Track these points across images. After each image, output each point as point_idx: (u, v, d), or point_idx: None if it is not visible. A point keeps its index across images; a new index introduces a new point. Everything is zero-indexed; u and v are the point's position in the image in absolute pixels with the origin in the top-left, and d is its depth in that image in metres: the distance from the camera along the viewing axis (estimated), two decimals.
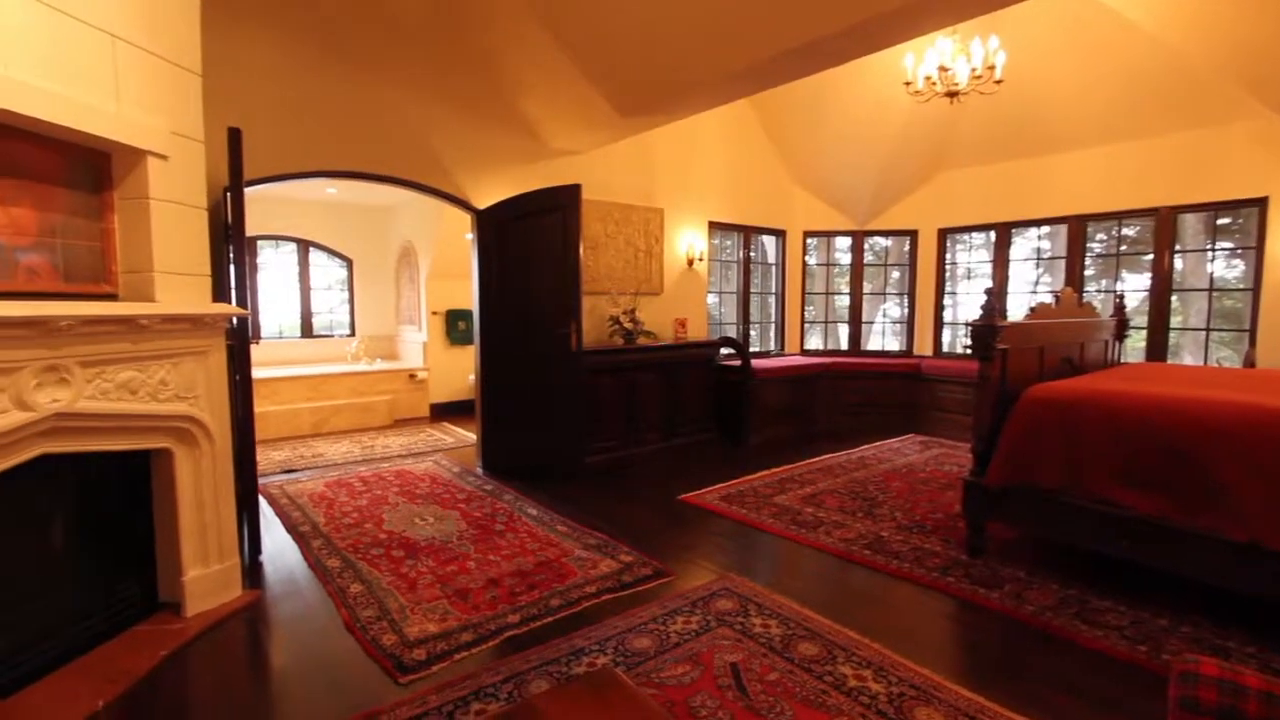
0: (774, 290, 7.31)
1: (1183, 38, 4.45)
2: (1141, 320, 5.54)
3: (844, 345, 7.37)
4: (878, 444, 5.76)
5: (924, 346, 6.99)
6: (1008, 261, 6.47)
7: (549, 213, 4.47)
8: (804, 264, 7.26)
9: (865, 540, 3.43)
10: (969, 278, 6.98)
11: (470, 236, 4.95)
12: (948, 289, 6.96)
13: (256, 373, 4.82)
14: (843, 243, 7.38)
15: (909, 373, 6.56)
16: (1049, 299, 3.95)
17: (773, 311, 7.34)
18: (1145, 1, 4.31)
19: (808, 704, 2.01)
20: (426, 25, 3.96)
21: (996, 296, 3.14)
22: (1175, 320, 5.61)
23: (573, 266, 4.38)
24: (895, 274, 7.47)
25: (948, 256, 6.92)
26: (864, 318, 7.28)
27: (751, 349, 6.87)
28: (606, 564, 3.12)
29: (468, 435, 6.26)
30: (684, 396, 5.54)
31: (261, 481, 4.36)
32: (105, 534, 2.48)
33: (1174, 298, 5.54)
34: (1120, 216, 5.74)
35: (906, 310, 7.18)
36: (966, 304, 7.01)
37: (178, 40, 2.57)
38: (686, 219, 6.13)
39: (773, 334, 7.34)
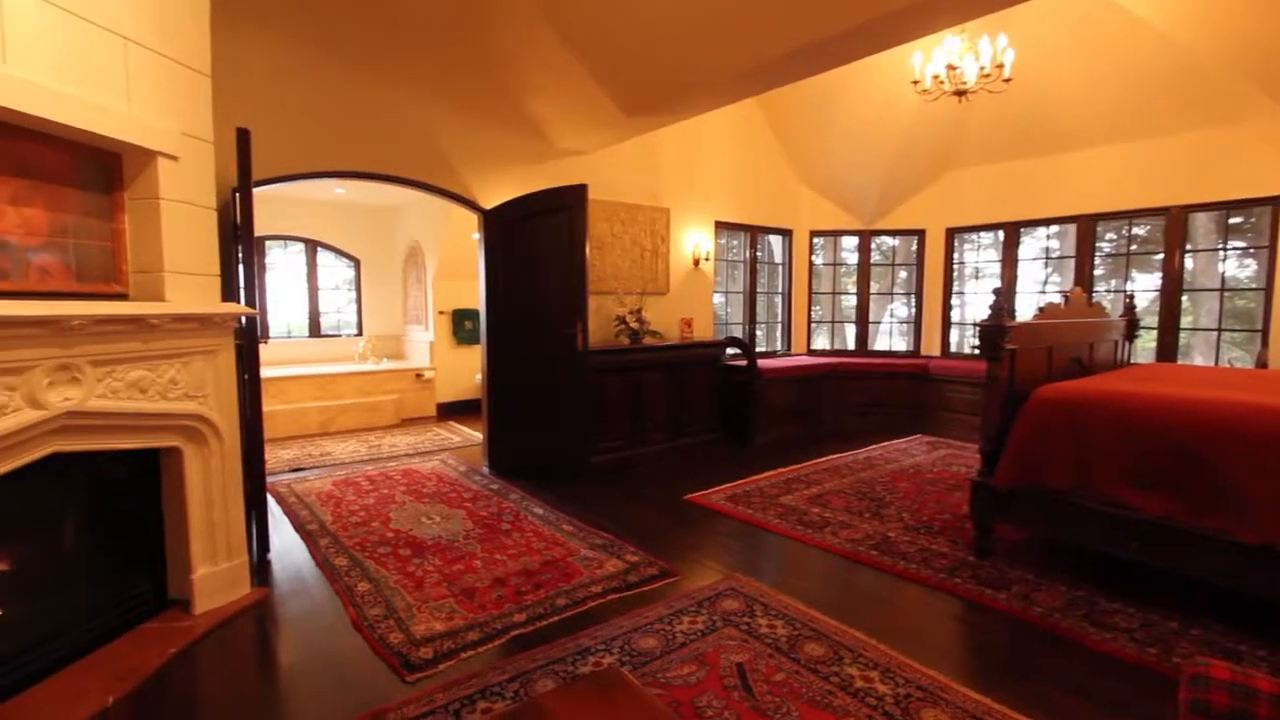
0: (780, 290, 7.29)
1: (1192, 35, 4.41)
2: (1152, 320, 5.50)
3: (851, 345, 7.34)
4: (885, 444, 5.74)
5: (931, 346, 6.96)
6: (1016, 261, 6.43)
7: (555, 212, 4.48)
8: (810, 264, 7.24)
9: (872, 541, 3.42)
10: (977, 277, 6.94)
11: (477, 236, 4.96)
12: (955, 289, 6.93)
13: (265, 372, 4.85)
14: (849, 242, 7.35)
15: (916, 373, 6.54)
16: (1058, 299, 3.93)
17: (779, 311, 7.32)
18: None
19: (814, 705, 2.01)
20: (433, 26, 3.97)
21: (1005, 296, 3.12)
22: (1186, 320, 5.57)
23: (579, 266, 4.38)
24: (903, 274, 7.44)
25: (955, 256, 6.88)
26: (871, 318, 7.26)
27: (758, 349, 6.87)
28: (612, 564, 3.12)
29: (474, 434, 6.28)
30: (690, 396, 5.54)
31: (270, 480, 4.39)
32: (116, 532, 2.50)
33: (1185, 297, 5.50)
34: (1130, 216, 5.69)
35: (914, 310, 7.15)
36: (974, 304, 6.98)
37: (188, 42, 2.59)
38: (693, 219, 6.13)
39: (779, 334, 7.33)
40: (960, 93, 4.45)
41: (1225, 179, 5.02)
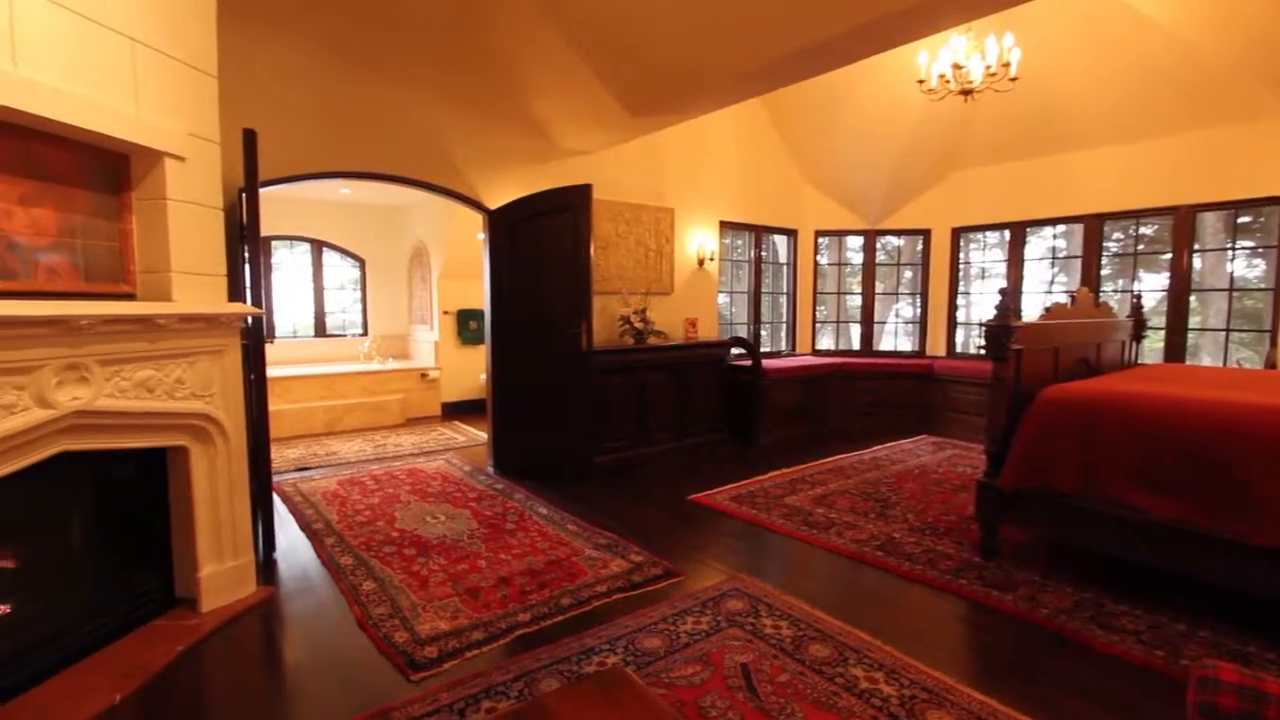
0: (785, 290, 7.28)
1: (1199, 33, 4.38)
2: (1159, 320, 5.46)
3: (856, 345, 7.32)
4: (890, 445, 5.72)
5: (937, 347, 6.94)
6: (1022, 261, 6.40)
7: (560, 213, 4.49)
8: (815, 263, 7.22)
9: (877, 542, 3.41)
10: (983, 277, 6.91)
11: (482, 236, 4.97)
12: (961, 289, 6.90)
13: (271, 371, 4.87)
14: (855, 242, 7.33)
15: (922, 373, 6.51)
16: (1064, 299, 3.91)
17: (784, 311, 7.31)
18: None
19: (819, 706, 2.00)
20: (438, 27, 3.98)
21: (1011, 296, 3.11)
22: (1194, 320, 5.52)
23: (583, 266, 4.38)
24: (908, 273, 7.42)
25: (961, 256, 6.86)
26: (876, 317, 7.24)
27: (762, 349, 6.85)
28: (617, 563, 3.12)
29: (479, 434, 6.29)
30: (694, 396, 5.54)
31: (275, 479, 4.41)
32: (123, 530, 2.51)
33: (1193, 298, 5.46)
34: (1138, 215, 5.66)
35: (919, 310, 7.12)
36: (980, 304, 6.95)
37: (194, 43, 2.60)
38: (697, 218, 6.12)
39: (784, 334, 7.32)
40: (966, 92, 4.44)
41: (1233, 178, 4.99)
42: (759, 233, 6.84)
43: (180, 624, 2.52)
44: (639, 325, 5.29)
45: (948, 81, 4.44)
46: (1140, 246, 6.12)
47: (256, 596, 2.78)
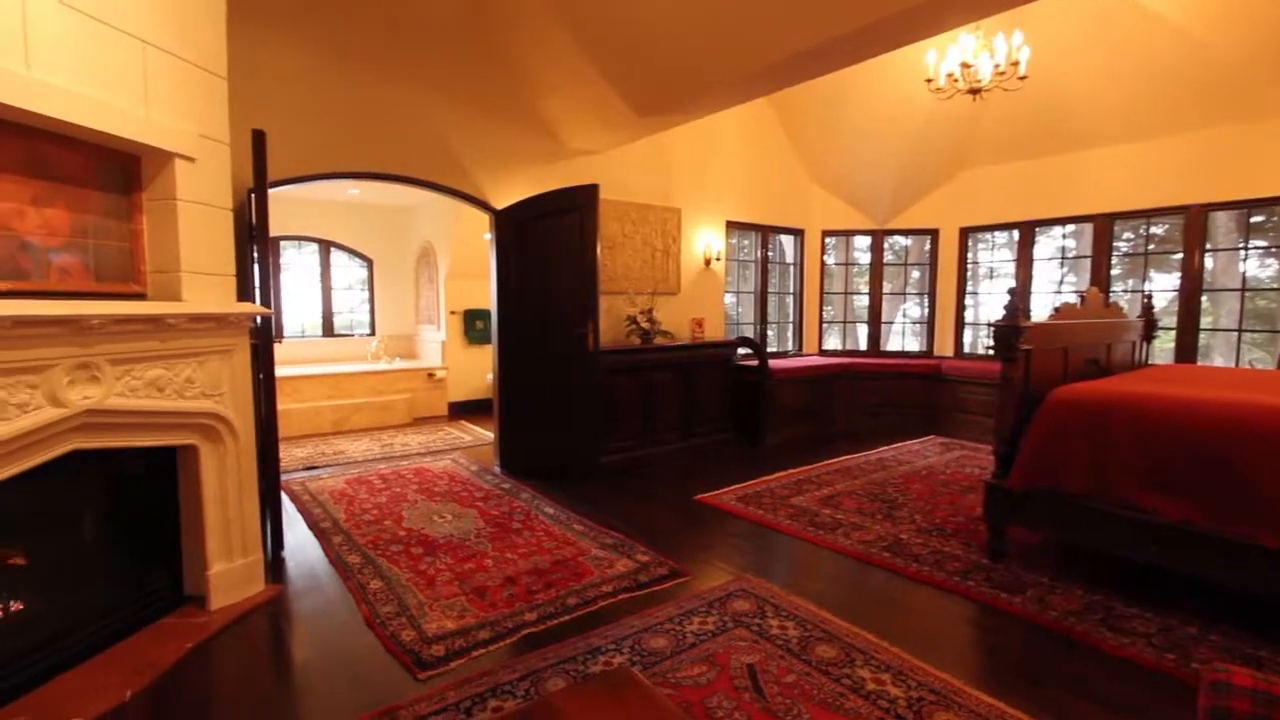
0: (792, 290, 7.26)
1: (1209, 30, 4.34)
2: (1170, 321, 5.41)
3: (863, 345, 7.30)
4: (897, 445, 5.70)
5: (945, 347, 6.90)
6: (1031, 261, 6.36)
7: (566, 213, 4.49)
8: (822, 263, 7.20)
9: (884, 543, 3.40)
10: (991, 277, 6.87)
11: (489, 236, 4.98)
12: (969, 289, 6.86)
13: (279, 371, 4.89)
14: (862, 242, 7.30)
15: (929, 373, 6.48)
16: (1074, 299, 3.88)
17: (790, 311, 7.29)
18: None
19: (825, 707, 2.00)
20: (446, 27, 4.00)
21: (1020, 296, 3.09)
22: (1205, 321, 5.48)
23: (590, 266, 4.39)
24: (915, 273, 7.38)
25: (969, 256, 6.82)
26: (883, 318, 7.21)
27: (769, 349, 6.84)
28: (623, 563, 3.12)
29: (485, 434, 6.30)
30: (701, 396, 5.53)
31: (284, 478, 4.43)
32: (133, 528, 2.53)
33: (1204, 298, 5.41)
34: (1149, 215, 5.61)
35: (927, 310, 7.09)
36: (989, 304, 6.91)
37: (204, 45, 2.62)
38: (704, 218, 6.12)
39: (790, 334, 7.30)
40: (975, 91, 4.41)
41: (1246, 177, 4.93)
42: (765, 233, 6.82)
43: (189, 622, 2.54)
44: (645, 325, 5.29)
45: (956, 80, 4.42)
46: (1151, 246, 6.07)
47: (265, 595, 2.80)
